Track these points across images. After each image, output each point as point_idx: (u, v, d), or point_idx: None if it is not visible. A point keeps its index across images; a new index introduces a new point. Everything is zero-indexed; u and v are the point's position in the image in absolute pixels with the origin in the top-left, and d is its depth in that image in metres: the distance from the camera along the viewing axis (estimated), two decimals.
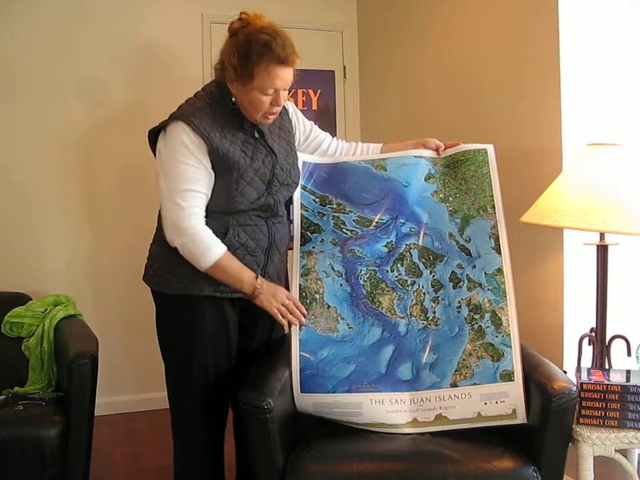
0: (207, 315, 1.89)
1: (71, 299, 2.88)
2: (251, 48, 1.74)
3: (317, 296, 1.94)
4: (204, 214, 1.83)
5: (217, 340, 1.92)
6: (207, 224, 1.83)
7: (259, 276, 1.88)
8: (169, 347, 1.96)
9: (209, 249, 1.81)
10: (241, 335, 2.01)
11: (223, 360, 1.94)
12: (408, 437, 1.85)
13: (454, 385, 1.86)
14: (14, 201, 3.22)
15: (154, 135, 1.87)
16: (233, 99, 1.84)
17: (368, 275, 1.98)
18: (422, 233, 2.01)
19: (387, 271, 1.98)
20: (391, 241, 2.01)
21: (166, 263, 1.89)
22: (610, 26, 2.26)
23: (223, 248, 1.83)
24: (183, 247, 1.81)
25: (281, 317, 1.89)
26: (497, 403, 1.83)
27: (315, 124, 2.17)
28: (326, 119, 3.68)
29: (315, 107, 3.68)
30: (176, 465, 2.01)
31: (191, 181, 1.79)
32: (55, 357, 2.63)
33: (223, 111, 1.85)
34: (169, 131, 1.81)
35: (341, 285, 1.96)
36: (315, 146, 2.13)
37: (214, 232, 1.82)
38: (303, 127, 2.09)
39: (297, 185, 2.04)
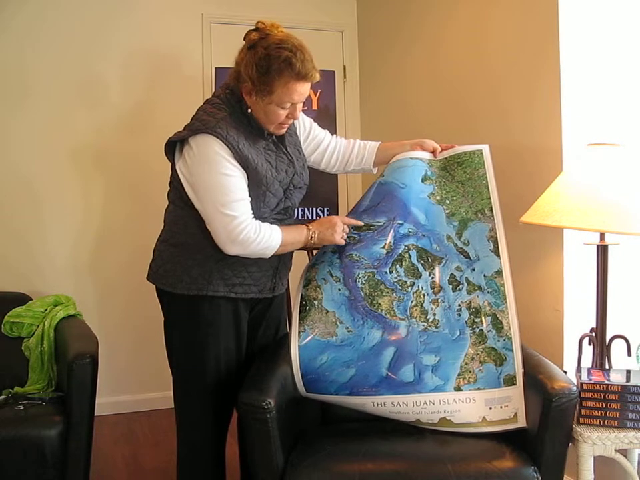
0: (222, 315, 1.90)
1: (71, 298, 2.88)
2: (270, 64, 1.73)
3: (315, 302, 1.93)
4: (252, 215, 1.81)
5: (229, 340, 1.92)
6: None
7: (306, 226, 1.92)
8: (181, 348, 1.94)
9: (269, 246, 1.82)
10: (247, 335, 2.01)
11: (234, 360, 1.94)
12: (408, 436, 1.86)
13: (458, 389, 1.86)
14: (14, 201, 3.21)
15: (171, 145, 1.85)
16: (249, 110, 1.83)
17: (366, 277, 1.96)
18: (420, 233, 1.99)
19: (386, 273, 1.96)
20: (389, 242, 1.98)
21: (180, 264, 1.87)
22: (610, 26, 2.26)
23: (278, 233, 1.83)
24: (245, 254, 1.81)
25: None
26: (500, 407, 1.84)
27: (315, 124, 2.16)
28: (326, 119, 3.66)
29: (315, 107, 3.67)
30: (180, 471, 1.98)
31: (237, 190, 1.78)
32: (55, 357, 2.63)
33: (242, 120, 1.84)
34: (197, 144, 1.77)
35: (339, 289, 1.94)
36: (314, 145, 2.12)
37: None
38: (303, 126, 2.09)
39: (307, 186, 2.04)
